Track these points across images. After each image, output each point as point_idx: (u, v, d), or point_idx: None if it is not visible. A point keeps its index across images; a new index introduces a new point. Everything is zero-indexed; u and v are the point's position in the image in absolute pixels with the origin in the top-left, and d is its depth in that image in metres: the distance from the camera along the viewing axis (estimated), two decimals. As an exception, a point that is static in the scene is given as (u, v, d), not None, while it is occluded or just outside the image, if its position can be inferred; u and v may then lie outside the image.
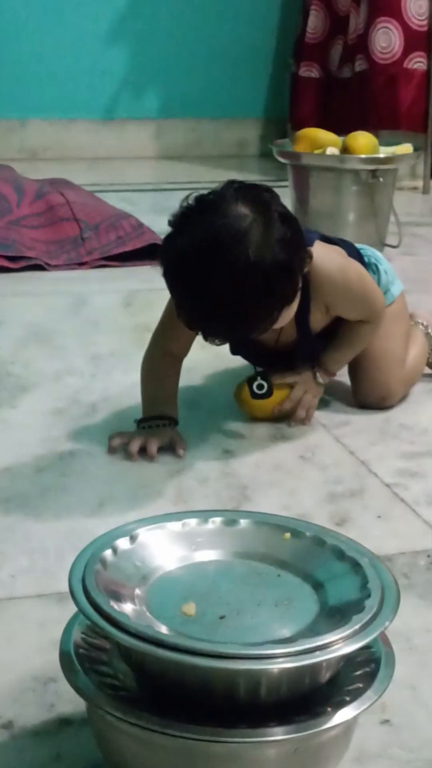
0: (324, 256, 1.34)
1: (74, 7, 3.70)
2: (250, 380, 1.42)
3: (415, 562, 1.09)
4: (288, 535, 0.82)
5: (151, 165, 3.79)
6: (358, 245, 1.51)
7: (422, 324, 1.61)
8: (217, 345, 1.28)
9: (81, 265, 2.29)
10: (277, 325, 1.25)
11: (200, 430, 1.41)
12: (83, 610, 0.71)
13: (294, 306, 1.26)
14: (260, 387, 1.41)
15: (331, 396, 1.52)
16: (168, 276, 1.21)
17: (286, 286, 1.20)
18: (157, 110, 3.89)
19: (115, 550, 0.78)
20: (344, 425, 1.45)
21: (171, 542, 0.80)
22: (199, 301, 1.18)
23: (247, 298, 1.16)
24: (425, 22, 3.27)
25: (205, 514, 0.83)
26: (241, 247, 1.15)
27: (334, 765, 0.75)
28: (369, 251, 1.50)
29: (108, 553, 0.77)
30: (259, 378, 1.41)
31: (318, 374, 1.43)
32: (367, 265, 1.46)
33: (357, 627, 0.70)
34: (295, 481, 1.28)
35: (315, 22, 3.53)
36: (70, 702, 0.84)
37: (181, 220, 1.20)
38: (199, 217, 1.19)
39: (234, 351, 1.46)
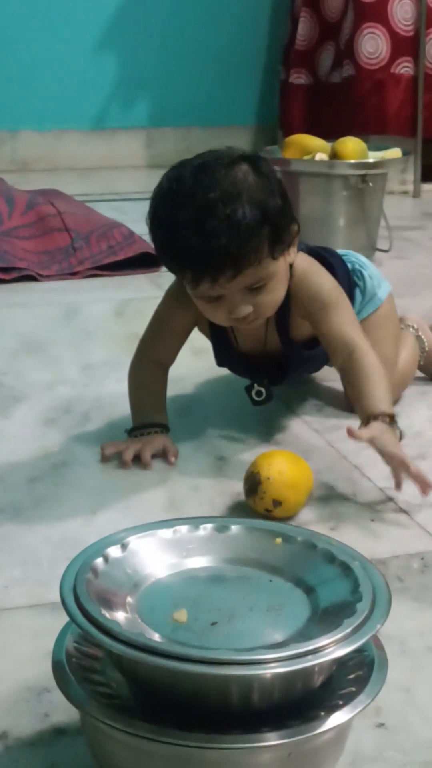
0: (307, 264, 1.34)
1: (63, 17, 3.71)
2: (248, 388, 1.42)
3: (409, 565, 1.10)
4: (279, 540, 0.82)
5: (141, 174, 3.79)
6: (341, 251, 1.50)
7: (412, 327, 1.61)
8: (203, 294, 1.21)
9: (72, 275, 2.29)
10: (263, 312, 1.24)
11: (193, 438, 1.41)
12: (74, 618, 0.71)
13: (280, 289, 1.25)
14: (259, 394, 1.40)
15: (324, 401, 1.53)
16: (154, 202, 1.21)
17: (277, 215, 1.19)
18: (147, 119, 3.90)
19: (106, 559, 0.78)
20: (336, 429, 1.45)
21: (162, 549, 0.81)
22: (188, 216, 1.16)
23: (238, 208, 1.15)
24: (412, 27, 3.29)
25: (195, 521, 0.84)
26: (234, 169, 1.18)
27: (329, 769, 0.75)
28: (353, 257, 1.50)
29: (99, 561, 0.77)
30: (256, 385, 1.41)
31: (380, 421, 1.23)
32: (351, 272, 1.46)
33: (349, 630, 0.70)
34: (288, 487, 1.28)
35: (305, 28, 3.54)
36: (64, 711, 0.84)
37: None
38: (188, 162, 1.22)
39: (220, 362, 1.45)
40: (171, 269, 1.24)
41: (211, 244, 1.15)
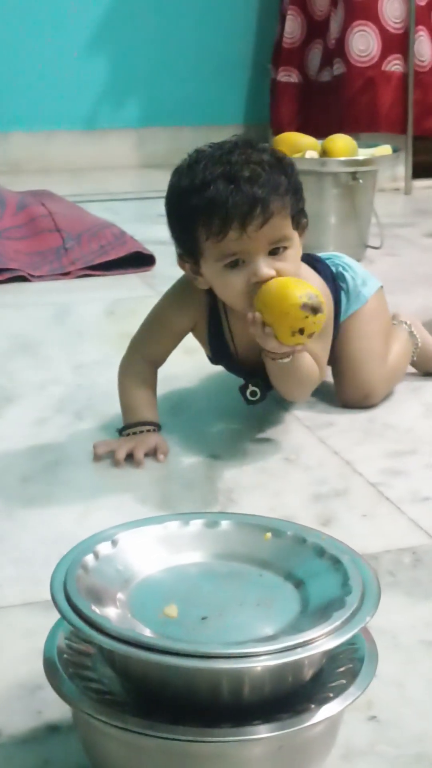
0: (311, 275, 1.36)
1: (52, 18, 3.71)
2: (242, 388, 1.41)
3: (400, 559, 1.10)
4: (269, 534, 0.82)
5: (133, 174, 3.80)
6: (324, 254, 1.51)
7: (405, 323, 1.62)
8: (227, 252, 1.23)
9: (64, 275, 2.29)
10: (286, 264, 1.25)
11: (185, 436, 1.42)
12: (64, 614, 0.71)
13: (297, 264, 1.28)
14: (253, 393, 1.41)
15: (316, 397, 1.53)
16: (178, 175, 1.27)
17: (298, 188, 1.27)
18: (137, 119, 3.90)
19: (96, 555, 0.78)
20: (328, 426, 1.45)
21: (152, 545, 0.81)
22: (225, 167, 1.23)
23: (265, 168, 1.23)
24: (401, 25, 3.29)
25: (185, 517, 0.84)
26: (260, 151, 1.26)
27: (320, 762, 0.75)
28: (337, 259, 1.51)
29: (89, 557, 0.77)
30: (251, 385, 1.41)
31: None
32: (335, 275, 1.47)
33: (338, 623, 0.70)
34: (280, 483, 1.29)
35: (292, 26, 3.55)
36: (57, 709, 0.84)
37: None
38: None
39: (215, 360, 1.45)
40: (188, 230, 1.26)
41: (243, 188, 1.21)
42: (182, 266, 1.33)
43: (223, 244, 1.23)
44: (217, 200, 1.21)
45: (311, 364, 1.33)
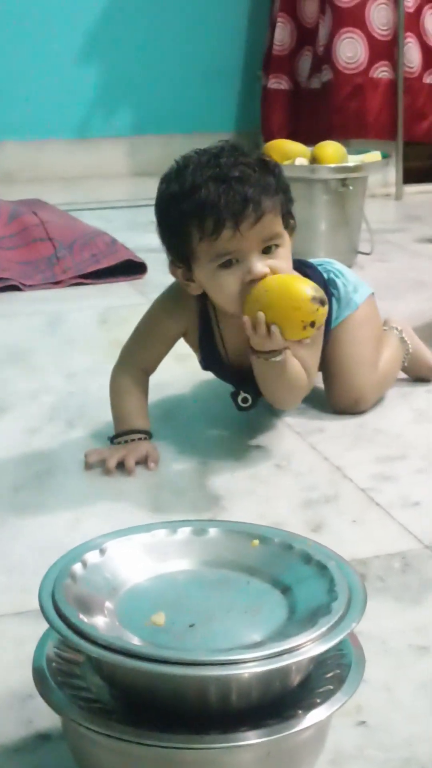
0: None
1: (43, 27, 3.72)
2: (234, 394, 1.42)
3: (390, 564, 1.10)
4: (256, 542, 0.83)
5: (125, 182, 3.80)
6: (317, 260, 1.52)
7: (396, 329, 1.62)
8: (221, 252, 1.25)
9: (56, 284, 2.30)
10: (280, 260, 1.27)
11: (176, 443, 1.42)
12: (52, 623, 0.71)
13: (288, 263, 1.29)
14: (245, 400, 1.41)
15: (306, 403, 1.53)
16: (167, 180, 1.29)
17: (287, 190, 1.29)
18: (129, 128, 3.91)
19: (84, 564, 0.79)
20: (319, 432, 1.46)
21: (140, 554, 0.81)
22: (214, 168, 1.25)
23: (256, 171, 1.25)
24: (388, 32, 3.31)
25: (173, 525, 0.84)
26: (248, 155, 1.28)
27: (309, 767, 0.75)
28: (329, 266, 1.51)
29: (77, 566, 0.78)
30: (242, 392, 1.42)
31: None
32: (327, 281, 1.47)
33: (324, 629, 0.71)
34: (271, 490, 1.29)
35: (282, 34, 3.56)
36: (48, 717, 0.84)
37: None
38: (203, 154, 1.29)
39: (206, 366, 1.46)
40: (180, 234, 1.27)
41: (235, 188, 1.23)
42: (174, 273, 1.34)
43: (217, 244, 1.24)
44: (210, 201, 1.23)
45: (299, 368, 1.33)
